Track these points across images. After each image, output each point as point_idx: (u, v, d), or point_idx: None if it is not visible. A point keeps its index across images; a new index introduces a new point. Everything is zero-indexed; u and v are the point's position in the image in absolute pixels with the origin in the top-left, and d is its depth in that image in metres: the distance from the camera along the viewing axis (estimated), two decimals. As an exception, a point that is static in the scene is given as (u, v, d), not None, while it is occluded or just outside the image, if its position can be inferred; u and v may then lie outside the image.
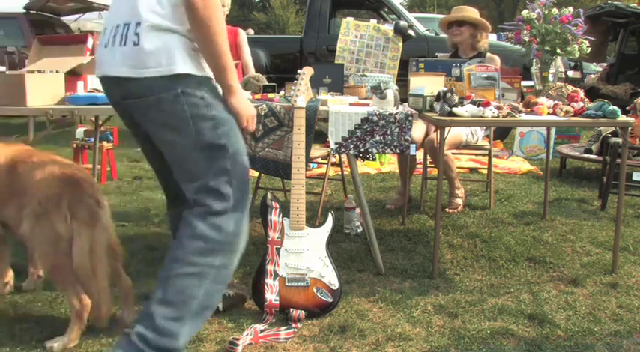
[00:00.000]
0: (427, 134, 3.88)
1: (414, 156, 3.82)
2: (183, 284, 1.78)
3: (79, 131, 5.15)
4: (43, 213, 2.05)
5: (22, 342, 2.14)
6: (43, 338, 2.15)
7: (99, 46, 1.85)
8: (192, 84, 1.72)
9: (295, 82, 2.47)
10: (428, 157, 4.10)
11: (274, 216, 2.39)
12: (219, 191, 1.79)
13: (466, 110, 2.71)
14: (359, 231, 3.46)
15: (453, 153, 4.16)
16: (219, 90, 1.84)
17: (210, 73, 1.80)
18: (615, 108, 2.77)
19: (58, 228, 2.04)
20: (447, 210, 3.92)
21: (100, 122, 3.83)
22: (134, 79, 1.71)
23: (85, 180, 2.15)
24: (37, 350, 2.09)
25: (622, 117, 2.81)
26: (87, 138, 5.01)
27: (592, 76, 9.76)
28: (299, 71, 2.48)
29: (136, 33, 1.69)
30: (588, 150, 5.06)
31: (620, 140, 3.69)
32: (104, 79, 1.82)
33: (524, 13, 3.47)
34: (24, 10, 9.26)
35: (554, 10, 3.36)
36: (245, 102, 1.88)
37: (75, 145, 5.07)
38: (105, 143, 4.96)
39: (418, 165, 4.39)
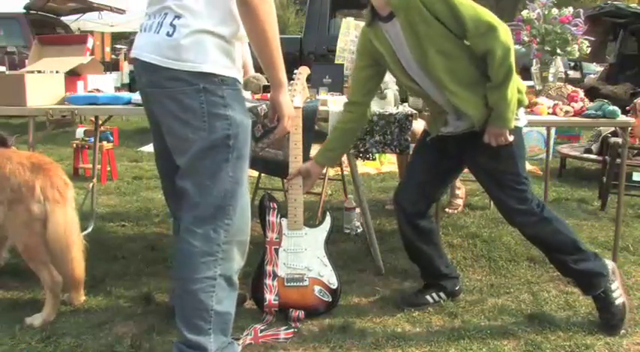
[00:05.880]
0: (427, 134, 3.88)
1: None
2: (195, 300, 1.79)
3: (79, 131, 5.17)
4: (18, 199, 2.21)
5: (21, 342, 2.14)
6: (43, 337, 2.15)
7: (139, 29, 1.85)
8: (215, 82, 1.71)
9: (291, 82, 2.46)
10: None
11: (272, 217, 2.38)
12: (213, 190, 1.75)
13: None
14: (359, 231, 3.46)
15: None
16: (242, 93, 1.83)
17: (237, 75, 1.78)
18: (615, 108, 2.77)
19: (33, 210, 2.21)
20: (447, 210, 3.92)
21: (100, 122, 3.82)
22: (160, 68, 1.70)
23: (52, 164, 2.34)
24: (37, 350, 2.09)
25: (622, 117, 2.81)
26: (87, 138, 5.02)
27: (592, 76, 9.73)
28: (295, 71, 2.47)
29: (172, 24, 1.69)
30: (588, 150, 5.06)
31: (620, 140, 3.69)
32: (136, 61, 1.81)
33: (524, 13, 3.46)
34: (24, 10, 9.27)
35: (554, 10, 3.35)
36: (289, 101, 1.90)
37: (75, 145, 5.07)
38: (105, 143, 4.96)
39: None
